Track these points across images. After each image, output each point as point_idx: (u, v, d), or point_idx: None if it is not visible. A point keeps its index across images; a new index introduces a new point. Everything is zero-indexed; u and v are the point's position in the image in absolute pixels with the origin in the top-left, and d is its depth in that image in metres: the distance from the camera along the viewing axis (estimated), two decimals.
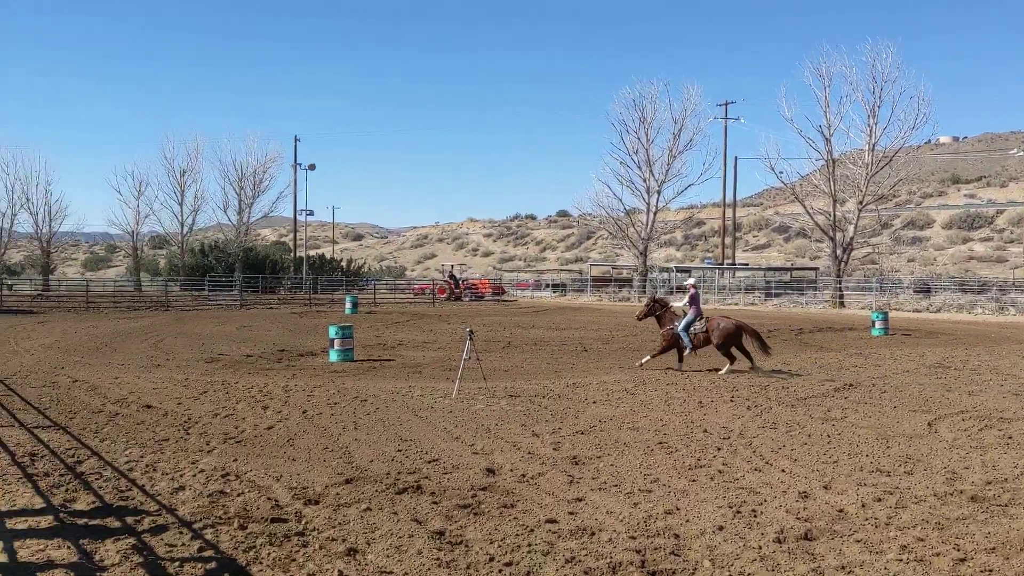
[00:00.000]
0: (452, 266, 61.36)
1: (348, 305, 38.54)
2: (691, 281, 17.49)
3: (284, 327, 28.30)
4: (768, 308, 44.74)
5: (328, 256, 78.08)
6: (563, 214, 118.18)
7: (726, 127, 60.99)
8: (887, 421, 10.70)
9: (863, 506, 6.76)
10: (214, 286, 54.22)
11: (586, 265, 76.72)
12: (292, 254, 72.96)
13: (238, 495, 6.95)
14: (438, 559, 5.44)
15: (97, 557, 5.39)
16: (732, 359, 15.72)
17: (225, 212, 62.95)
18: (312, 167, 68.33)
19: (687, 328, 16.07)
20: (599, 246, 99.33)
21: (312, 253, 76.03)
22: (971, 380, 14.88)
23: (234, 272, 58.25)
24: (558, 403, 11.96)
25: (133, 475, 7.59)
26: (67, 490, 7.08)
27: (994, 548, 5.73)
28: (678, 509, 6.67)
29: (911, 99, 44.21)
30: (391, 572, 5.23)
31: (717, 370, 15.67)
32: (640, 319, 17.49)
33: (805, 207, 47.44)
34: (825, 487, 7.39)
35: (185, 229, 63.19)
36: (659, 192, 52.88)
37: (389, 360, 17.80)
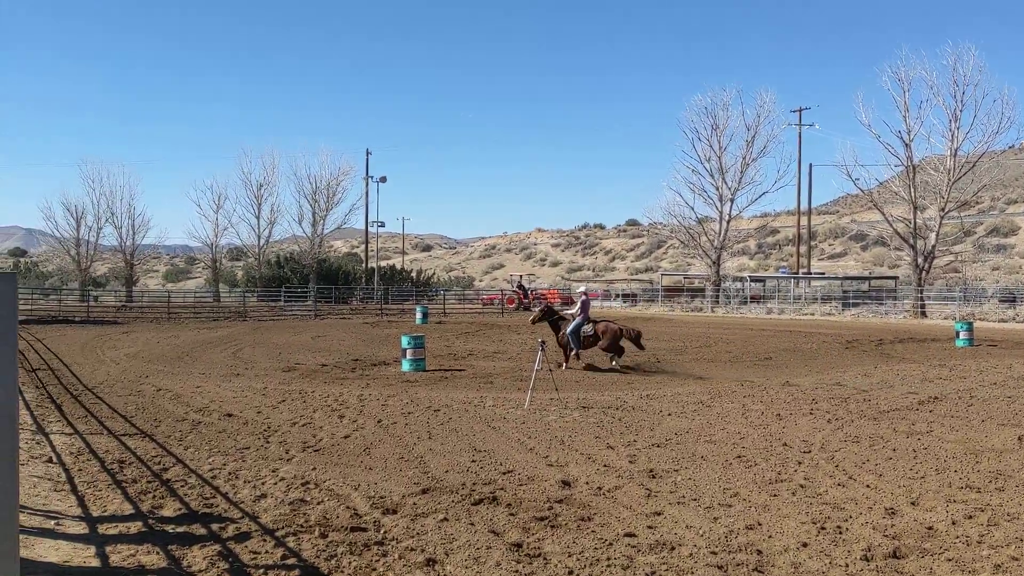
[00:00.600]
0: (520, 276, 61.50)
1: (418, 315, 38.95)
2: (582, 289, 20.46)
3: (357, 337, 28.73)
4: (846, 318, 43.65)
5: (398, 267, 79.09)
6: (632, 223, 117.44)
7: (800, 133, 59.75)
8: (975, 435, 10.30)
9: (953, 523, 6.51)
10: (289, 297, 55.45)
11: (657, 275, 76.05)
12: (363, 265, 74.13)
13: (318, 503, 7.05)
14: (516, 571, 5.42)
15: (185, 563, 5.53)
16: (620, 352, 18.03)
17: (300, 224, 64.55)
18: (383, 179, 69.46)
19: (576, 332, 17.98)
20: (670, 255, 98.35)
21: (383, 264, 77.15)
22: None
23: (308, 283, 59.47)
24: (632, 415, 11.85)
25: (217, 483, 7.77)
26: (154, 496, 7.29)
27: None
28: (760, 524, 6.52)
29: (994, 102, 42.83)
30: None
31: (598, 368, 17.67)
32: (533, 323, 20.45)
33: (884, 214, 46.22)
34: (912, 503, 7.14)
35: (262, 241, 64.83)
36: (732, 200, 52.25)
37: (460, 370, 17.90)
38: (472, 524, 6.46)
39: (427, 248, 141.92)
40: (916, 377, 16.86)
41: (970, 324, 26.56)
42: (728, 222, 52.88)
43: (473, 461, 8.77)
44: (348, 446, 9.58)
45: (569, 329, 18.09)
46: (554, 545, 5.96)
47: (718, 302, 52.62)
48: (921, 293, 43.73)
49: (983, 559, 5.67)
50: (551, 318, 19.17)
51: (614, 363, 17.92)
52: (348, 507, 6.93)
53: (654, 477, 8.09)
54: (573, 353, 18.08)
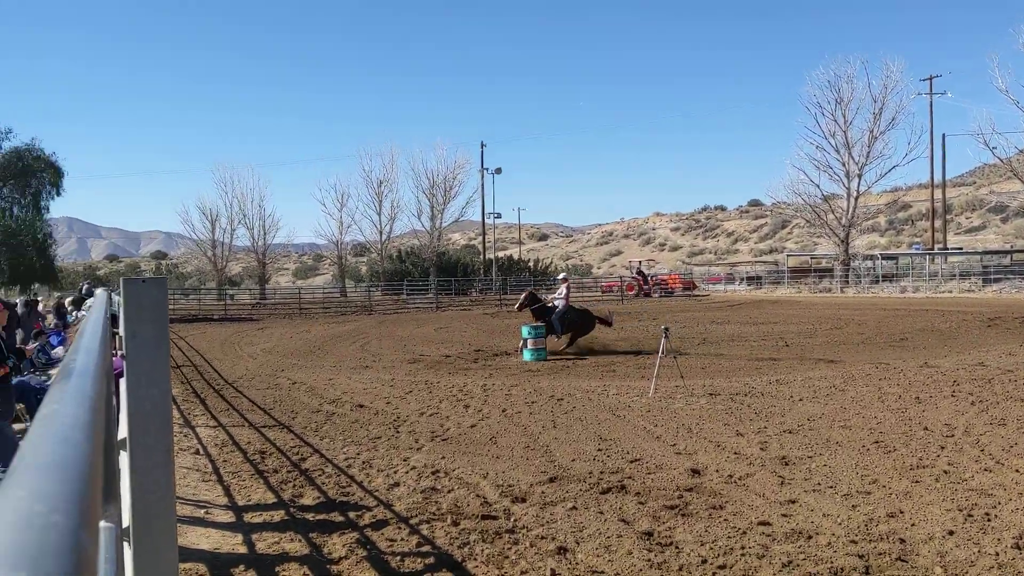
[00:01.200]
0: (640, 262, 60.89)
1: None
2: (563, 276, 21.17)
3: (478, 328, 29.13)
4: (987, 295, 41.25)
5: (516, 257, 79.66)
6: (755, 203, 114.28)
7: (931, 103, 56.70)
8: None
9: None
10: (411, 290, 56.73)
11: (782, 256, 73.85)
12: (482, 256, 75.02)
13: (448, 492, 7.20)
14: (649, 560, 5.39)
15: (326, 550, 5.75)
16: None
17: (419, 219, 65.83)
18: (498, 171, 69.96)
19: (560, 317, 18.73)
20: (795, 235, 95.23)
21: (500, 255, 77.88)
22: None
23: (429, 276, 60.67)
24: (761, 401, 11.56)
25: (352, 472, 8.04)
26: (294, 486, 7.62)
27: None
28: (901, 512, 6.25)
29: None
30: (602, 572, 5.24)
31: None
32: (519, 309, 20.32)
33: None
34: None
35: (383, 237, 66.47)
36: (860, 176, 50.21)
37: (581, 359, 17.88)
38: (601, 512, 6.46)
39: (543, 237, 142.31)
40: None
41: None
42: (856, 198, 50.83)
43: (599, 450, 8.76)
44: (475, 435, 9.74)
45: (554, 316, 18.74)
46: (685, 534, 5.90)
47: (848, 282, 50.65)
48: None
49: None
50: (534, 305, 19.37)
51: (566, 347, 18.67)
52: (478, 495, 7.05)
53: (787, 464, 7.87)
54: (556, 338, 18.70)
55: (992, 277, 47.11)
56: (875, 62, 68.62)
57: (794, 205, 55.67)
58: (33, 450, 0.63)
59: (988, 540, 5.56)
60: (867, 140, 49.92)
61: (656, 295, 52.76)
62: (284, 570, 5.42)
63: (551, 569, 5.26)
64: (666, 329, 13.48)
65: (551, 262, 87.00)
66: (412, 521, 6.35)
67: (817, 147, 51.44)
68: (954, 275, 50.94)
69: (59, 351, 14.94)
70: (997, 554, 5.29)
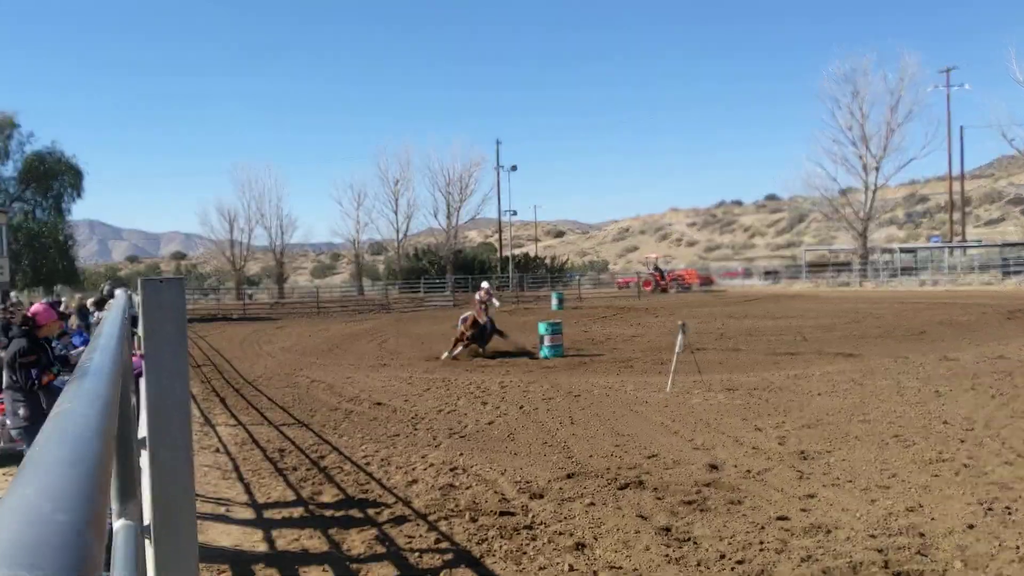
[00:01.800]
0: (656, 257, 60.72)
1: (554, 301, 39.08)
2: (485, 285, 20.37)
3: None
4: (1007, 287, 40.85)
5: (532, 254, 79.57)
6: (772, 198, 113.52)
7: (948, 95, 56.11)
8: None
9: None
10: (428, 288, 56.84)
11: (800, 250, 73.37)
12: (498, 254, 75.00)
13: (466, 488, 7.22)
14: (667, 555, 5.38)
15: (345, 547, 5.79)
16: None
17: (435, 217, 65.87)
18: (514, 168, 69.84)
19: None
20: (812, 229, 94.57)
21: (516, 252, 77.78)
22: None
23: (446, 274, 60.76)
24: (779, 396, 11.51)
25: (370, 469, 8.09)
26: (313, 483, 7.67)
27: None
28: (921, 506, 6.22)
29: None
30: (620, 567, 5.24)
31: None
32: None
33: None
34: None
35: (400, 235, 66.57)
36: (877, 168, 49.88)
37: (599, 355, 17.86)
38: (619, 508, 6.46)
39: (559, 234, 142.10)
40: None
41: None
42: (874, 192, 50.49)
43: (616, 446, 8.76)
44: (492, 432, 9.76)
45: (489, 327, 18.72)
46: (704, 529, 5.89)
47: (866, 275, 50.31)
48: None
49: None
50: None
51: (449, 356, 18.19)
52: (496, 492, 7.06)
53: (806, 459, 7.84)
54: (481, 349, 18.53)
55: (1012, 269, 46.59)
56: (891, 54, 67.88)
57: (811, 199, 55.47)
58: (43, 448, 0.63)
59: (1009, 534, 5.51)
60: (884, 133, 49.61)
61: (673, 290, 52.58)
62: (304, 566, 5.46)
63: (569, 564, 5.27)
64: (683, 324, 13.44)
65: (567, 259, 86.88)
66: (431, 518, 6.38)
67: (834, 140, 51.17)
68: (973, 268, 50.44)
69: (81, 351, 15.08)
70: (1018, 547, 5.25)
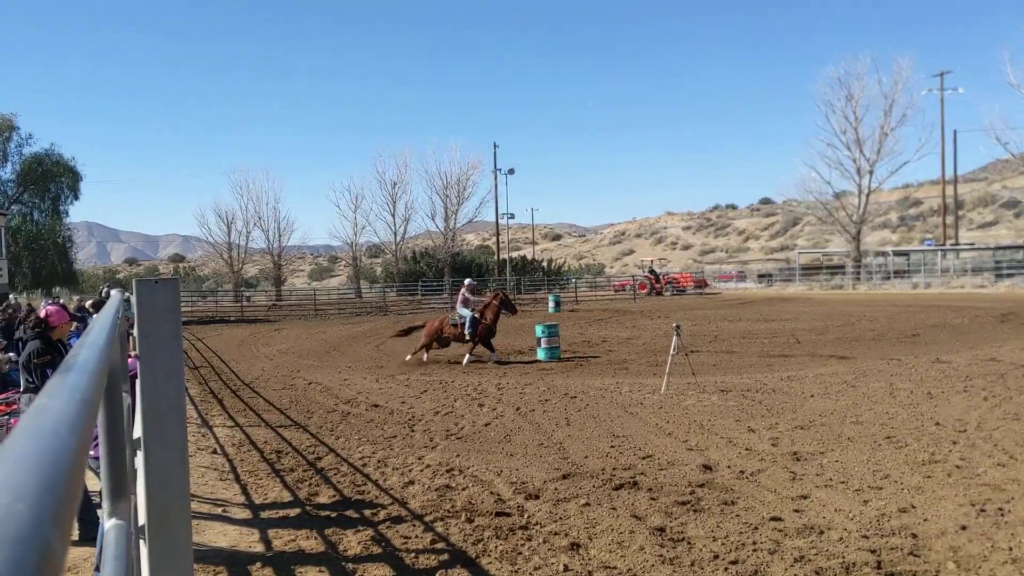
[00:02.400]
0: (652, 261, 60.77)
1: (551, 304, 39.11)
2: (468, 282, 20.14)
3: None
4: (999, 290, 40.96)
5: (529, 257, 79.63)
6: (766, 201, 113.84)
7: (942, 99, 56.24)
8: None
9: None
10: (426, 290, 56.80)
11: (793, 253, 73.47)
12: (495, 257, 75.03)
13: (463, 489, 7.25)
14: (661, 555, 5.41)
15: (341, 547, 5.81)
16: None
17: (433, 220, 65.96)
18: (511, 172, 69.82)
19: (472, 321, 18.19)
20: (806, 233, 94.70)
21: (514, 255, 77.86)
22: None
23: (443, 276, 60.75)
24: (773, 397, 11.55)
25: (367, 470, 8.11)
26: (310, 484, 7.68)
27: None
28: (913, 507, 6.26)
29: None
30: (614, 567, 5.27)
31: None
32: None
33: None
34: None
35: (398, 238, 66.59)
36: (871, 172, 50.06)
37: (595, 357, 17.89)
38: (614, 509, 6.49)
39: (556, 237, 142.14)
40: None
41: None
42: (867, 195, 50.66)
43: (612, 447, 8.79)
44: (489, 433, 9.78)
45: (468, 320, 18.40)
46: (698, 529, 5.92)
47: (859, 278, 50.42)
48: None
49: None
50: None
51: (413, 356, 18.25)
52: (492, 493, 7.09)
53: (799, 460, 7.88)
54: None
55: (1005, 272, 46.68)
56: (885, 58, 68.04)
57: (805, 202, 55.53)
58: (14, 442, 0.62)
59: (1001, 535, 5.55)
60: (878, 136, 49.80)
61: (668, 293, 52.63)
62: (301, 566, 5.48)
63: (564, 565, 5.30)
64: (678, 327, 13.48)
65: (564, 262, 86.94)
66: (427, 518, 6.40)
67: (828, 144, 51.35)
68: (966, 271, 50.53)
69: None
70: (1010, 549, 5.29)
